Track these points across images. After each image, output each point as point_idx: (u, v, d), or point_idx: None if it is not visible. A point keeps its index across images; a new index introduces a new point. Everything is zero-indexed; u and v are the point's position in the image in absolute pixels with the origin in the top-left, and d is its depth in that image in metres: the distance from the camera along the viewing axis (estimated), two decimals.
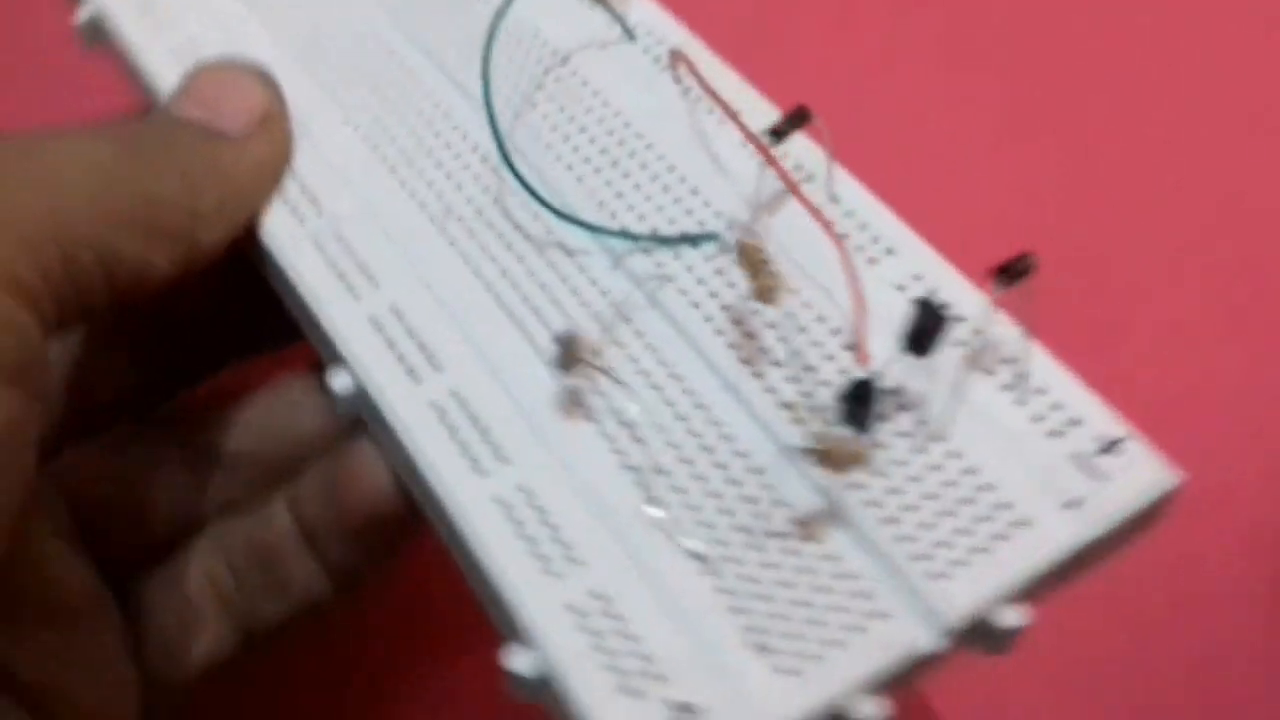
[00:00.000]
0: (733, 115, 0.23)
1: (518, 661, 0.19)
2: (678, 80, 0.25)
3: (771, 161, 0.22)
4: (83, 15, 0.28)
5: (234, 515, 0.25)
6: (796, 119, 0.22)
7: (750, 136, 0.22)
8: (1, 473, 0.19)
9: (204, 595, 0.24)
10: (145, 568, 0.25)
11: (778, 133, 0.22)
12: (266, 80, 0.25)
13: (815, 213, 0.21)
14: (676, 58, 0.25)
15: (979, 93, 0.35)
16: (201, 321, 0.26)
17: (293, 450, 0.25)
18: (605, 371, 0.21)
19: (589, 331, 0.22)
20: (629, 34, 0.26)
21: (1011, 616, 0.19)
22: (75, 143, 0.21)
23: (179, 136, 0.23)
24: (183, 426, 0.25)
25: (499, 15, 0.25)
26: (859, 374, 0.19)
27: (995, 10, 0.37)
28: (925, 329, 0.19)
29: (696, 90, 0.25)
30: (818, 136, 0.23)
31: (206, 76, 0.24)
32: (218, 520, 0.25)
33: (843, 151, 0.23)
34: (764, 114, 0.24)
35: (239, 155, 0.23)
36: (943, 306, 0.19)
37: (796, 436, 0.20)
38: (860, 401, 0.19)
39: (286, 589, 0.24)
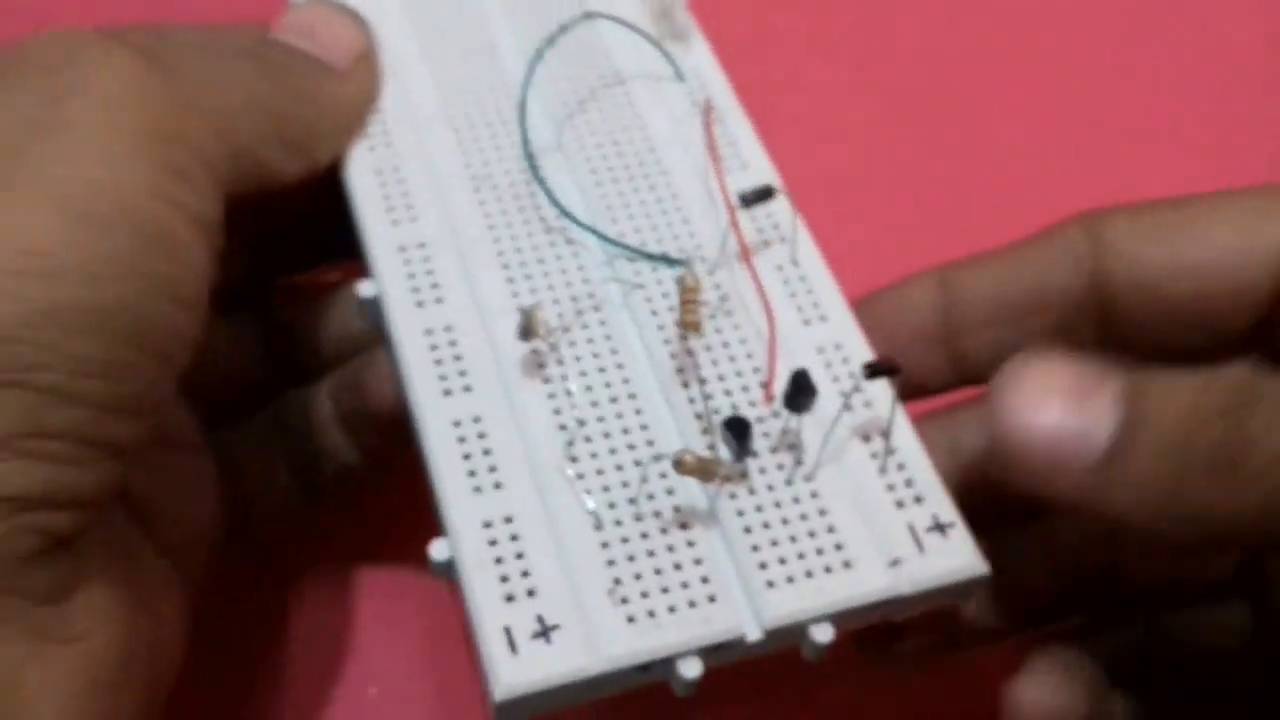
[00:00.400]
0: (719, 176, 0.27)
1: (437, 549, 0.24)
2: (705, 126, 0.30)
3: (735, 226, 0.26)
4: None
5: (293, 390, 0.30)
6: (763, 194, 0.27)
7: (727, 201, 0.27)
8: (192, 307, 0.23)
9: (275, 452, 0.30)
10: (225, 424, 0.30)
11: (746, 201, 0.27)
12: (360, 21, 0.29)
13: (756, 280, 0.26)
14: (707, 108, 0.30)
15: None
16: (302, 225, 0.30)
17: (338, 346, 0.30)
18: (552, 348, 0.26)
19: (564, 310, 0.26)
20: (679, 75, 0.31)
21: (821, 633, 0.23)
22: (231, 66, 0.26)
23: (299, 64, 0.27)
24: (265, 312, 0.31)
25: (562, 29, 0.29)
26: (749, 411, 0.24)
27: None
28: (798, 393, 0.24)
29: (714, 138, 0.29)
30: (801, 205, 0.28)
31: (309, 12, 0.29)
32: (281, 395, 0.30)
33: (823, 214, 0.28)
34: (764, 173, 0.29)
35: (342, 87, 0.28)
36: (806, 378, 0.24)
37: (692, 444, 0.25)
38: (735, 433, 0.24)
39: (332, 454, 0.29)
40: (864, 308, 0.28)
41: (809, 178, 0.30)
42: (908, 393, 0.26)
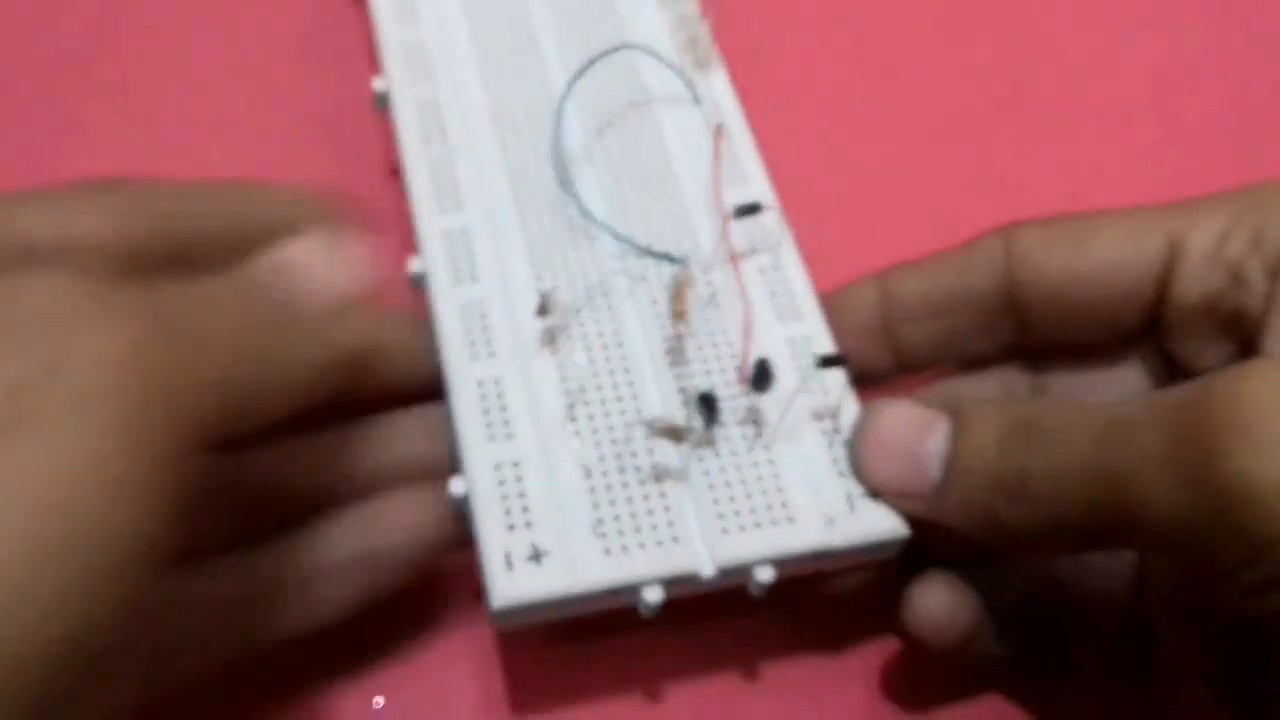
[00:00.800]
0: (718, 191, 0.33)
1: (455, 486, 0.29)
2: (714, 146, 0.35)
3: (726, 234, 0.32)
4: None
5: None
6: (751, 209, 0.32)
7: (722, 212, 0.32)
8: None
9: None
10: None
11: (738, 213, 0.32)
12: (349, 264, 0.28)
13: (739, 281, 0.31)
14: (717, 131, 0.35)
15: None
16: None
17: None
18: (564, 326, 0.31)
19: (578, 295, 0.32)
20: (697, 99, 0.36)
21: (763, 573, 0.29)
22: (223, 321, 0.24)
23: (288, 311, 0.26)
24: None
25: (599, 55, 0.35)
26: (724, 390, 0.30)
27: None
28: (761, 378, 0.29)
29: (721, 154, 0.35)
30: (791, 215, 0.33)
31: (298, 247, 0.27)
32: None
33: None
34: (761, 189, 0.34)
35: (332, 328, 0.27)
36: (767, 366, 0.30)
37: (674, 414, 0.30)
38: (705, 406, 0.29)
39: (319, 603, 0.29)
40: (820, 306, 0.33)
41: (806, 186, 0.35)
42: (857, 380, 0.31)
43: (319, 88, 0.40)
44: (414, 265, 0.32)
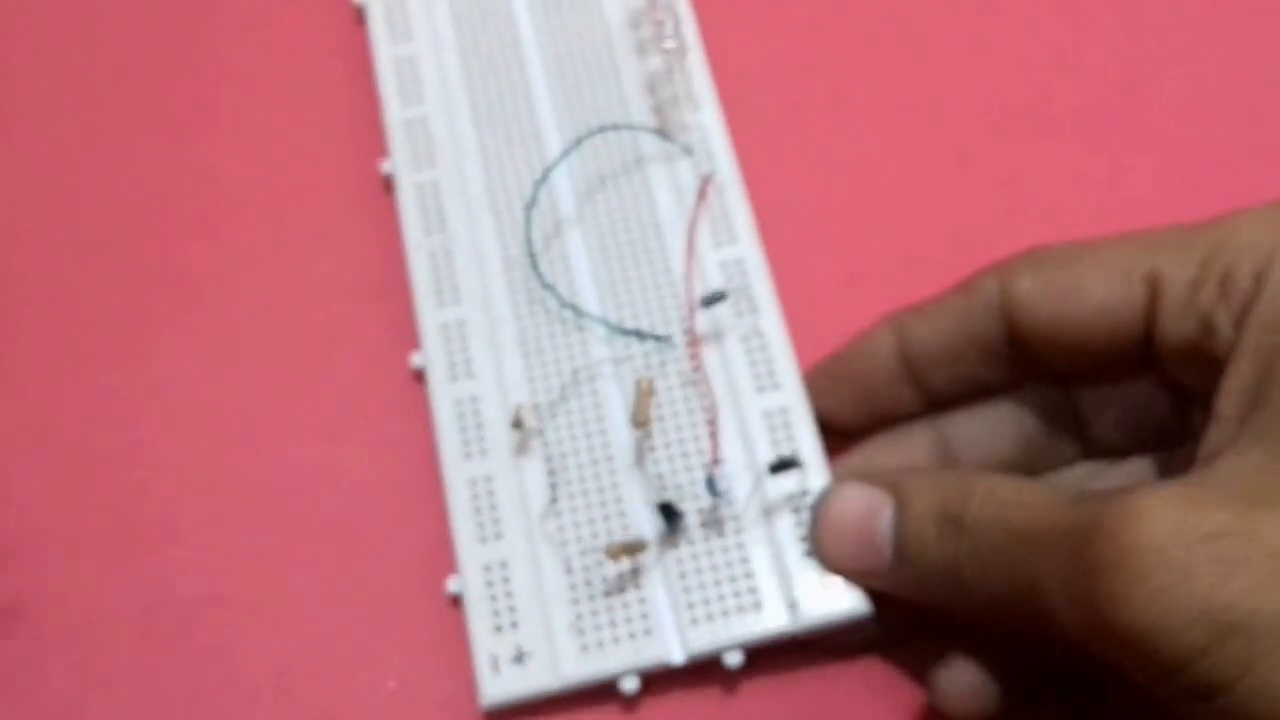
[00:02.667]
0: (688, 281, 0.34)
1: (452, 584, 0.32)
2: (702, 197, 0.36)
3: (692, 323, 0.33)
4: None
5: None
6: (715, 298, 0.33)
7: (689, 304, 0.33)
8: None
9: None
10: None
11: (705, 302, 0.33)
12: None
13: (705, 377, 0.33)
14: (705, 182, 0.36)
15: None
16: None
17: None
18: (538, 434, 0.33)
19: (564, 378, 0.34)
20: (686, 150, 0.37)
21: (732, 657, 0.31)
22: None
23: None
24: None
25: (579, 140, 0.36)
26: (698, 475, 0.32)
27: None
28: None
29: (708, 207, 0.36)
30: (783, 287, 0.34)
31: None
32: None
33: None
34: (749, 248, 0.35)
35: None
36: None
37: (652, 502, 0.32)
38: (666, 515, 0.31)
39: None
40: (836, 363, 0.34)
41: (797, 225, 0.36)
42: (890, 423, 0.33)
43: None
44: (414, 359, 0.35)
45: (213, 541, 0.34)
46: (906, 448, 0.33)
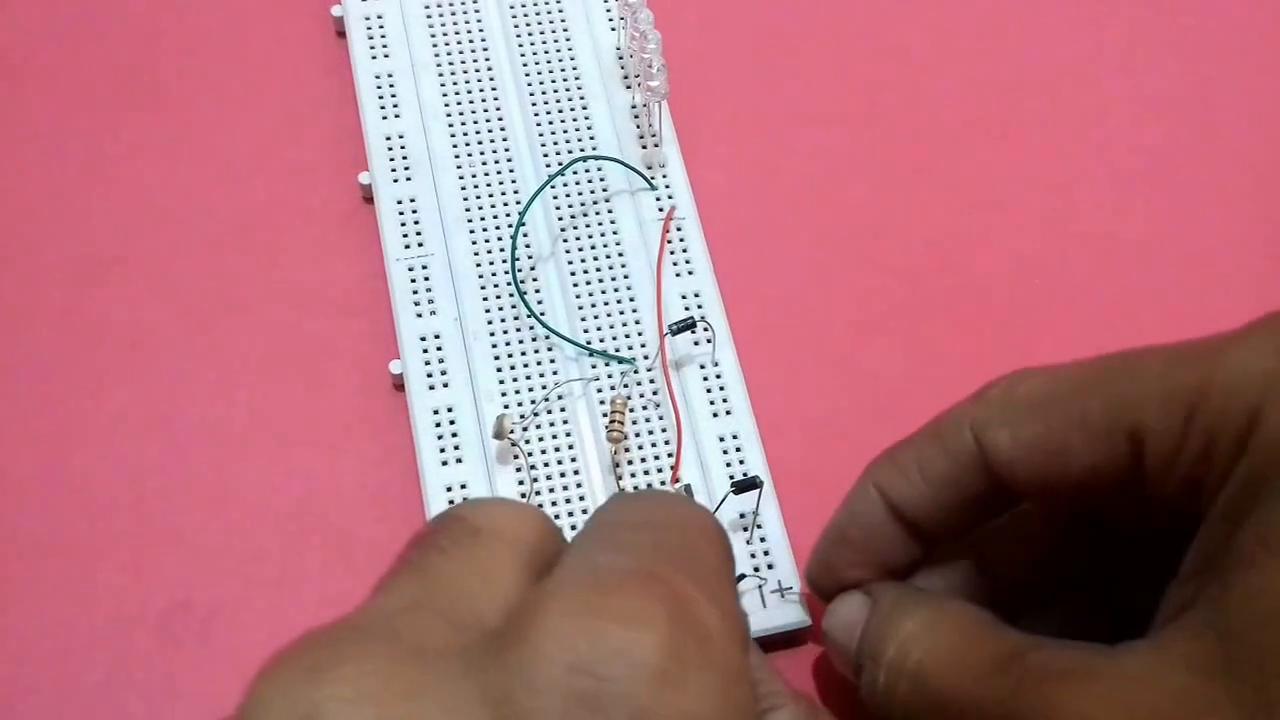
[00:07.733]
0: (659, 297, 0.37)
1: None
2: (665, 230, 0.39)
3: (663, 349, 0.36)
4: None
5: None
6: (686, 325, 0.36)
7: (661, 331, 0.36)
8: None
9: None
10: None
11: (673, 329, 0.36)
12: None
13: (672, 399, 0.36)
14: (668, 216, 0.39)
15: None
16: None
17: None
18: (515, 444, 0.36)
19: (536, 396, 0.36)
20: (650, 184, 0.40)
21: None
22: None
23: None
24: None
25: (559, 171, 0.38)
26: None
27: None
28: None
29: (670, 238, 0.39)
30: (738, 318, 0.37)
31: None
32: None
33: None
34: (704, 278, 0.38)
35: None
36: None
37: None
38: None
39: None
40: (836, 539, 0.33)
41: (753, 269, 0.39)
42: (895, 576, 0.33)
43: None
44: (393, 366, 0.37)
45: (217, 547, 0.36)
46: (946, 571, 0.34)
